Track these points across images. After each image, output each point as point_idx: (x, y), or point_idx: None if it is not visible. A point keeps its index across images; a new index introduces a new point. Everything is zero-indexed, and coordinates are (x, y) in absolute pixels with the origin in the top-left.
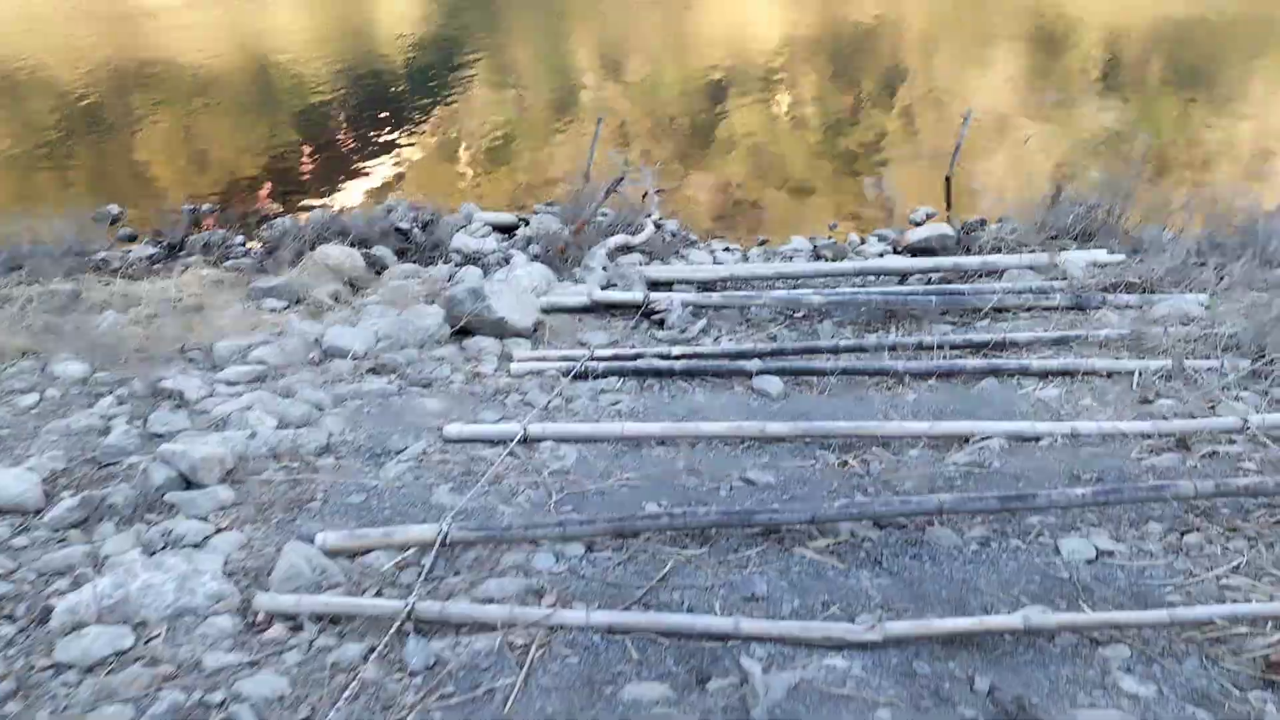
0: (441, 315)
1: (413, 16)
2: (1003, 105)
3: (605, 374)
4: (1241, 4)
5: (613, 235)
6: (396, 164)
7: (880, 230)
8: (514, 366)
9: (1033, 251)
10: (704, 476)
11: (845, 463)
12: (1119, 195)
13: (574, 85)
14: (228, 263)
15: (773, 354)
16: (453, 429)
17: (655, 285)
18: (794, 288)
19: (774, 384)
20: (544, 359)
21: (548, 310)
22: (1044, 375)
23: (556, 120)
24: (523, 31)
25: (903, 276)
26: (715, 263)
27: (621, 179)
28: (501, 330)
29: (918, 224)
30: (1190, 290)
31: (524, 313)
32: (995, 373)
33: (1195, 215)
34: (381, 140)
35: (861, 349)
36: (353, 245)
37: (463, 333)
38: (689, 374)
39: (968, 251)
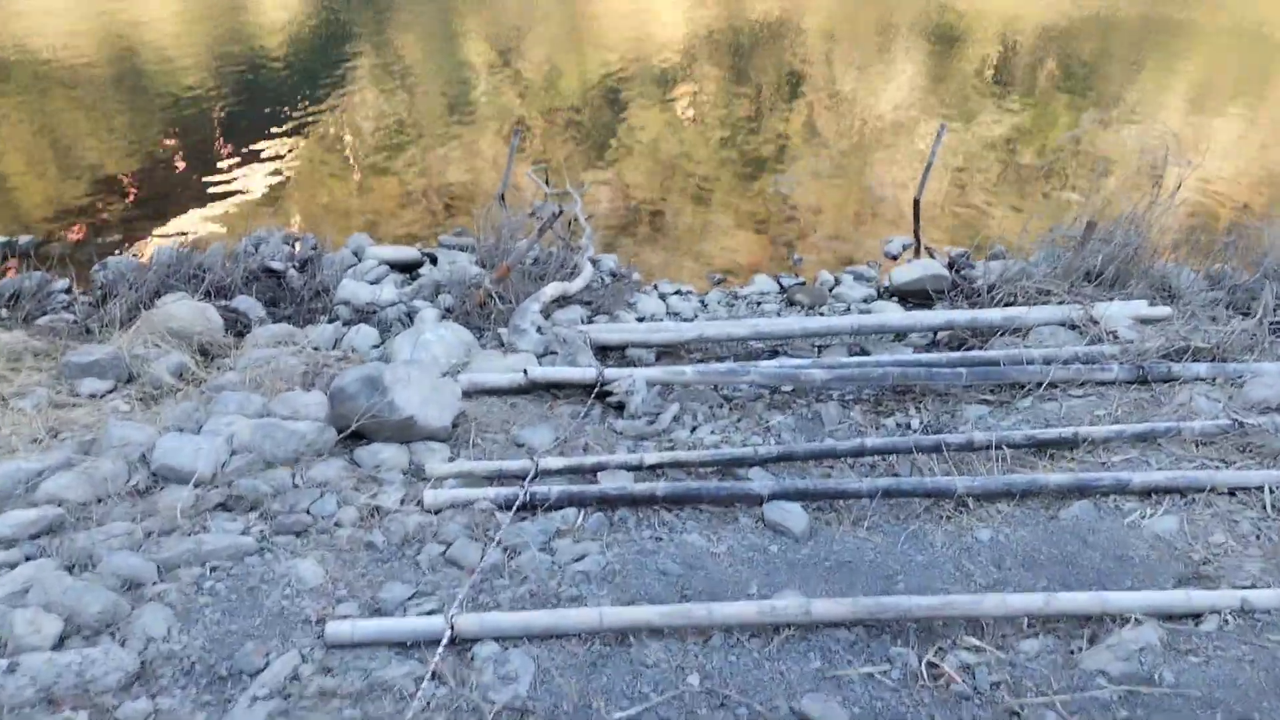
0: (324, 411)
1: (293, 7)
2: (925, 111)
3: (560, 504)
4: (1143, 4)
5: (544, 281)
6: (273, 180)
7: (855, 267)
8: (429, 496)
9: (1061, 302)
10: (735, 709)
11: (937, 669)
12: (1146, 231)
13: (473, 85)
14: (43, 319)
15: (779, 459)
16: (340, 628)
17: (604, 350)
18: (775, 347)
19: (795, 515)
20: (470, 476)
21: (470, 393)
22: (1147, 493)
23: (457, 125)
24: (414, 24)
25: (900, 333)
26: (670, 311)
27: (558, 213)
28: (409, 433)
29: (894, 258)
30: (1264, 357)
31: (440, 405)
32: (1084, 491)
33: (1237, 256)
34: (256, 150)
35: (894, 450)
36: (208, 295)
37: (355, 436)
38: (675, 500)
39: (967, 298)
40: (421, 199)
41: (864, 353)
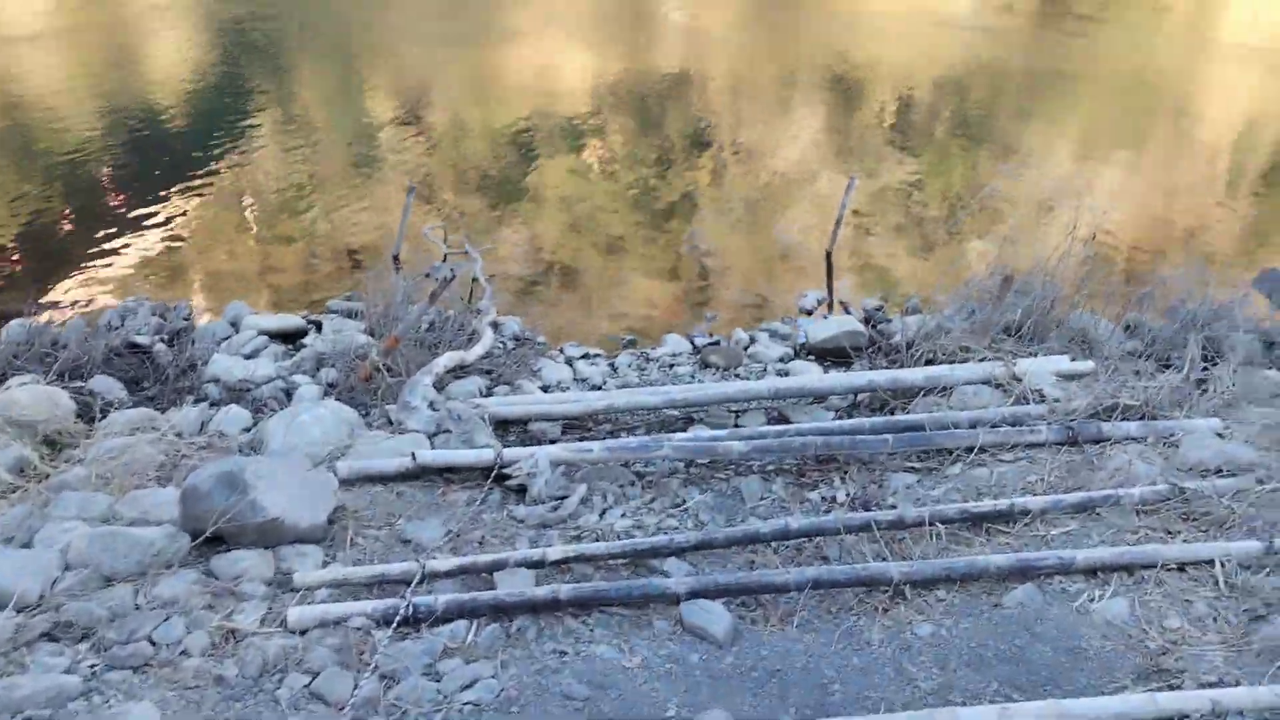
0: (177, 511)
1: (190, 61)
2: (830, 162)
3: (448, 615)
4: (1031, 55)
5: (439, 349)
6: (157, 244)
7: (770, 324)
8: (294, 614)
9: (982, 359)
10: None
11: None
12: (1060, 282)
13: (375, 142)
14: None
15: (697, 548)
16: None
17: (505, 425)
18: (688, 411)
19: (717, 616)
20: (345, 585)
21: (351, 481)
22: (1093, 571)
23: (357, 183)
24: (314, 80)
25: (820, 396)
26: (577, 378)
27: (452, 276)
28: (276, 536)
29: (809, 312)
30: (1194, 412)
31: (312, 502)
32: (1027, 573)
33: (1152, 305)
34: (143, 213)
35: (821, 531)
36: (61, 377)
37: (214, 541)
38: (581, 605)
39: (886, 356)
40: (314, 261)
41: (783, 419)
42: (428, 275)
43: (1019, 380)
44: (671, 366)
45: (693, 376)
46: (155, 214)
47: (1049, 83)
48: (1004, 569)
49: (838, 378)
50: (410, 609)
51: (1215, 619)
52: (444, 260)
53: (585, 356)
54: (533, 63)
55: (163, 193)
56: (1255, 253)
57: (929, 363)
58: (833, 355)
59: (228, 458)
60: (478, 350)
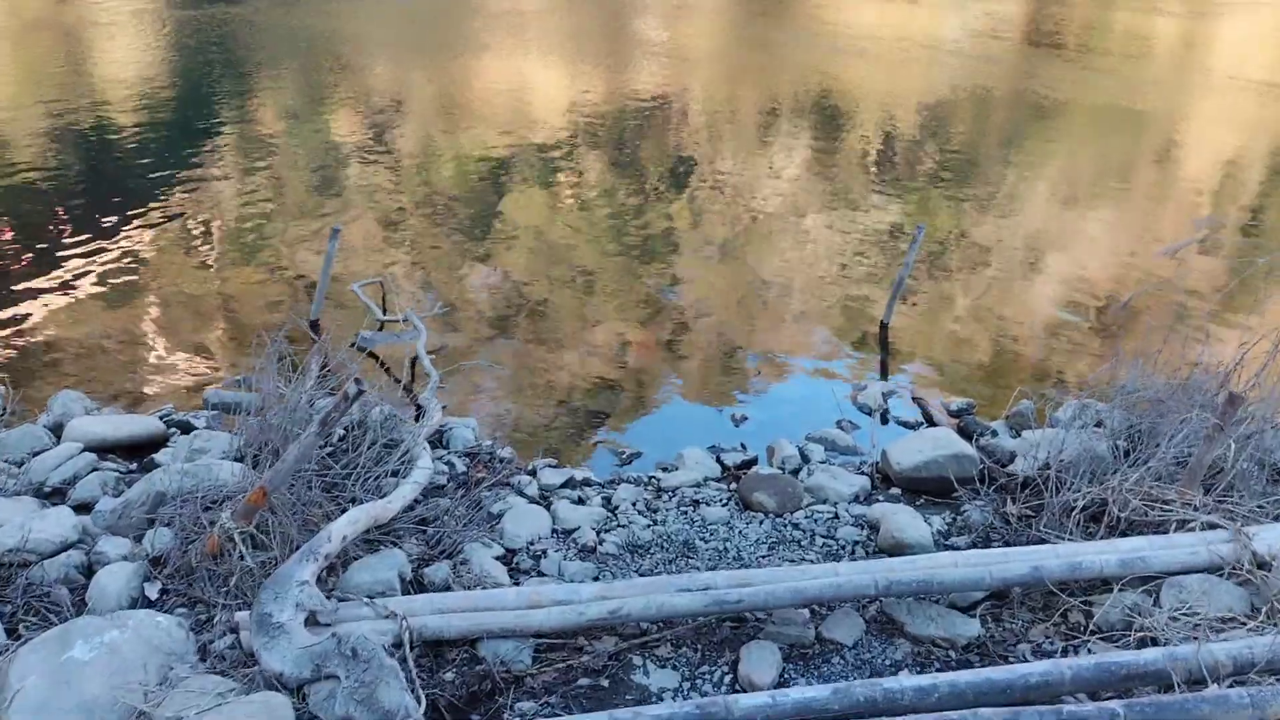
0: None
1: (148, 71)
2: (850, 208)
3: None
4: (1012, 81)
5: (343, 492)
6: (50, 296)
7: (826, 431)
8: None
9: (1185, 524)
10: None
11: None
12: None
13: (339, 169)
14: None
15: None
16: None
17: (438, 648)
18: (732, 606)
19: None
20: None
21: None
22: None
23: (310, 219)
24: (280, 94)
25: (928, 590)
26: (557, 529)
27: (357, 394)
28: None
29: (869, 411)
30: None
31: None
32: None
33: None
34: (63, 250)
35: None
36: None
37: None
38: None
39: (1016, 498)
40: (214, 324)
41: (887, 618)
42: (354, 345)
43: (1264, 568)
44: (696, 504)
45: (729, 524)
46: (77, 253)
47: (1045, 112)
48: None
49: (979, 560)
50: None
51: None
52: (379, 329)
53: (568, 484)
54: (509, 83)
55: (96, 227)
56: None
57: (1109, 525)
58: (929, 490)
59: None
60: (405, 494)
